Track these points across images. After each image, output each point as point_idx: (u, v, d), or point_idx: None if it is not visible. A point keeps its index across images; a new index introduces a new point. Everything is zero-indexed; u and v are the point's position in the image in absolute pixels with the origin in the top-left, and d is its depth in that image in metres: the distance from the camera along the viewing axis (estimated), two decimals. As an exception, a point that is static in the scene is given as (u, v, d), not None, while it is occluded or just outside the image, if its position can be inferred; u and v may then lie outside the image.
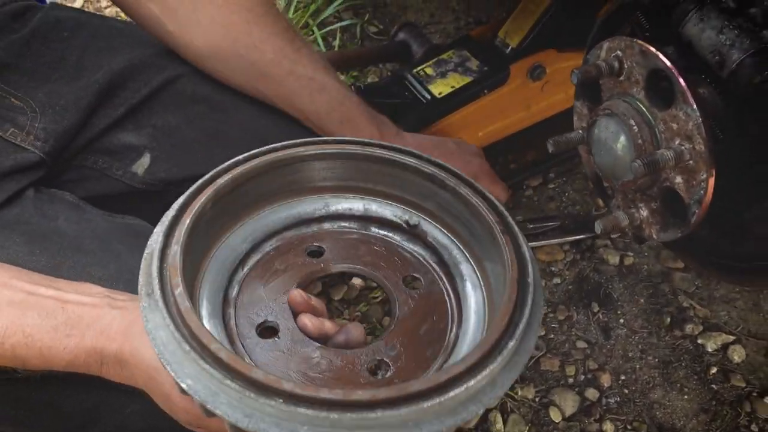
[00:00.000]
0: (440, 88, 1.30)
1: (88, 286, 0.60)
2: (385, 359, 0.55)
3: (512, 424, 1.05)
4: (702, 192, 0.59)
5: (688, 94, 0.56)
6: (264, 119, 0.93)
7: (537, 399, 1.08)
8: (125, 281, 0.69)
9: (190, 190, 0.57)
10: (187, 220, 0.53)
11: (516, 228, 0.57)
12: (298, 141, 0.64)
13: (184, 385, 0.45)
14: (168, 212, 0.55)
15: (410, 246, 0.65)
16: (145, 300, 0.49)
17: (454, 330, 0.59)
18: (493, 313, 0.58)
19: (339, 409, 0.43)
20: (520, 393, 1.07)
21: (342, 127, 0.86)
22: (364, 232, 0.65)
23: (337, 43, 1.75)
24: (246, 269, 0.61)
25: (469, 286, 0.61)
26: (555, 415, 1.06)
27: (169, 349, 0.46)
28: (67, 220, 0.75)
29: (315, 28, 1.71)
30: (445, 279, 0.63)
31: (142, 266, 0.52)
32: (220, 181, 0.57)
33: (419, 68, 1.35)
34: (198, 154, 0.87)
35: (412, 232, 0.65)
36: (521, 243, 0.56)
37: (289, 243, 0.63)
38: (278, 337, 0.56)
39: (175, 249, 0.51)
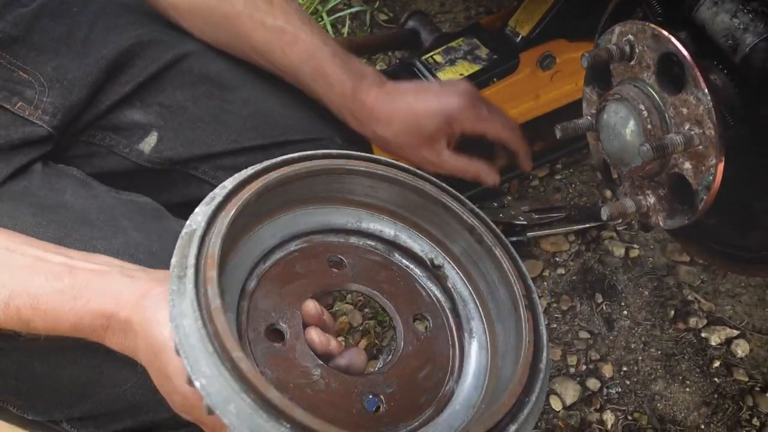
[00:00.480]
0: (449, 76, 1.29)
1: (98, 256, 0.60)
2: (381, 395, 0.55)
3: (512, 411, 1.05)
4: (711, 178, 0.58)
5: (700, 78, 0.55)
6: (271, 100, 0.92)
7: (538, 388, 1.08)
8: (129, 255, 0.69)
9: (240, 177, 0.56)
10: (232, 211, 0.52)
11: (539, 306, 0.57)
12: (354, 153, 0.64)
13: (197, 383, 0.44)
14: (214, 195, 0.54)
15: (428, 284, 0.64)
16: (174, 283, 0.48)
17: (450, 384, 0.58)
18: (494, 377, 0.58)
19: None
20: (521, 382, 1.07)
21: (314, 83, 0.83)
22: (387, 256, 0.65)
23: (346, 30, 1.74)
24: (268, 264, 0.60)
25: (475, 344, 0.61)
26: (555, 404, 1.06)
27: (190, 341, 0.45)
28: (74, 194, 0.75)
29: (324, 15, 1.70)
30: (454, 329, 0.62)
31: (178, 245, 0.51)
32: (272, 175, 0.57)
33: (428, 55, 1.34)
34: (204, 133, 0.87)
35: (435, 272, 0.64)
36: (541, 323, 0.56)
37: (314, 247, 0.63)
38: (284, 344, 0.55)
39: (216, 241, 0.50)
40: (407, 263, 0.65)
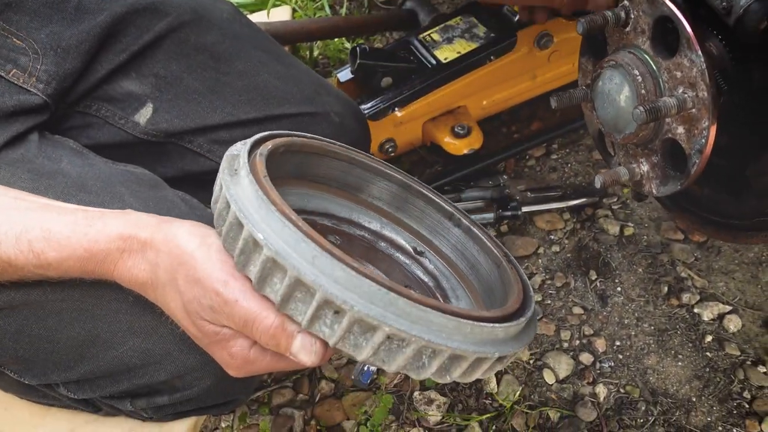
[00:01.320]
0: (446, 54, 1.29)
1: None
2: None
3: (506, 384, 1.06)
4: (703, 141, 0.59)
5: (693, 39, 0.56)
6: (267, 73, 0.92)
7: (531, 361, 1.09)
8: (126, 221, 0.69)
9: (265, 133, 0.60)
10: (269, 145, 0.57)
11: (517, 263, 0.64)
12: (354, 149, 0.70)
13: (260, 236, 0.47)
14: (246, 140, 0.58)
15: (412, 269, 0.70)
16: (227, 177, 0.52)
17: None
18: None
19: (395, 292, 0.46)
20: (515, 356, 1.08)
21: None
22: (374, 244, 0.71)
23: (343, 10, 1.74)
24: None
25: (463, 304, 0.67)
26: (549, 377, 1.07)
27: (249, 210, 0.49)
28: (71, 163, 0.75)
29: (322, -6, 1.69)
30: (440, 298, 0.68)
31: (222, 163, 0.55)
32: (297, 139, 0.62)
33: (425, 34, 1.34)
34: (199, 105, 0.87)
35: (417, 258, 0.71)
36: (522, 273, 0.62)
37: (313, 225, 0.68)
38: None
39: (261, 157, 0.55)
40: (392, 251, 0.71)
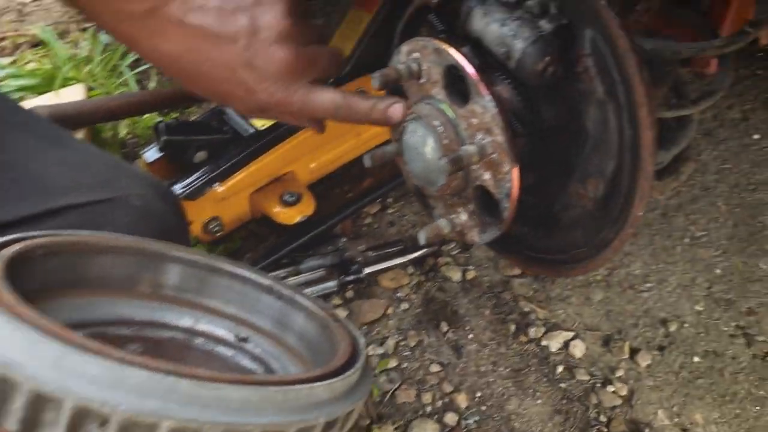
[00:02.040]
0: (262, 120, 1.23)
1: None
2: None
3: (373, 466, 0.98)
4: (508, 185, 0.58)
5: (480, 85, 0.55)
6: (43, 161, 0.78)
7: (397, 434, 1.02)
8: None
9: (18, 234, 0.51)
10: (17, 247, 0.48)
11: (345, 322, 0.61)
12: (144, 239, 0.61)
13: None
14: None
15: (237, 359, 0.63)
16: None
17: None
18: None
19: (175, 375, 0.38)
20: (378, 432, 1.00)
21: None
22: (188, 344, 0.63)
23: (153, 84, 1.62)
24: None
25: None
26: (416, 449, 1.00)
27: None
28: None
29: (125, 69, 1.57)
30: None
31: None
32: (61, 238, 0.52)
33: (239, 102, 1.27)
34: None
35: (241, 346, 0.64)
36: (353, 329, 0.58)
37: (102, 337, 0.57)
38: None
39: None
40: (212, 346, 0.63)
